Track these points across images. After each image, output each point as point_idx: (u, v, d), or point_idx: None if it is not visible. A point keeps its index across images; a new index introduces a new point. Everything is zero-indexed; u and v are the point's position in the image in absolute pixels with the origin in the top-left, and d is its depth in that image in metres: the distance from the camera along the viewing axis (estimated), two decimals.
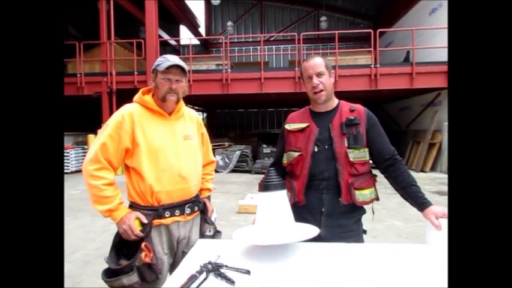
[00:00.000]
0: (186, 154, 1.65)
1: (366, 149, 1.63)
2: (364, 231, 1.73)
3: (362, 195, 1.60)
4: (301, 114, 1.75)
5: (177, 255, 1.67)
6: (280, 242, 1.31)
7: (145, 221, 1.53)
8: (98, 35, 10.41)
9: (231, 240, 1.49)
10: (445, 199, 6.27)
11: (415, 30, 9.63)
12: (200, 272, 1.17)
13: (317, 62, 1.64)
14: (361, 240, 1.69)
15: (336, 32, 10.55)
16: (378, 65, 9.43)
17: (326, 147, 1.62)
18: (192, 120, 1.78)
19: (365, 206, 1.68)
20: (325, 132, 1.63)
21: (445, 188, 7.35)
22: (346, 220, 1.65)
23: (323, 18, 16.81)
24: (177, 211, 1.61)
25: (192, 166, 1.68)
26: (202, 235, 1.75)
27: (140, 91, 1.66)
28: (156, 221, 1.57)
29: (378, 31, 10.15)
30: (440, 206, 1.47)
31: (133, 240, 1.50)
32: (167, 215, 1.59)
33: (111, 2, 10.39)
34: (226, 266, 1.22)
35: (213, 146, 11.46)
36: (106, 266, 1.50)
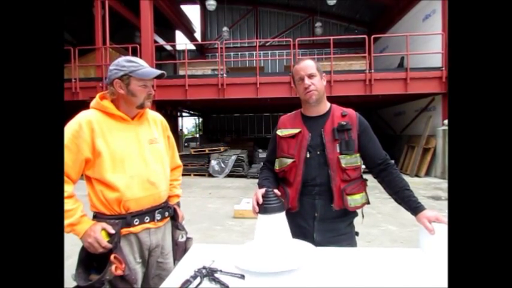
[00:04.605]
0: (153, 159, 1.58)
1: (358, 155, 1.63)
2: (356, 233, 1.73)
3: (354, 200, 1.60)
4: (293, 119, 1.73)
5: (149, 264, 1.60)
6: (273, 270, 1.24)
7: (112, 231, 1.42)
8: (93, 40, 10.38)
9: (225, 245, 1.48)
10: (439, 204, 6.31)
11: (409, 36, 9.75)
12: (194, 277, 1.17)
13: (308, 64, 1.63)
14: (354, 243, 1.70)
15: (331, 37, 10.64)
16: (372, 71, 9.51)
17: (318, 153, 1.61)
18: (156, 123, 1.71)
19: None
20: (317, 137, 1.62)
21: (440, 193, 7.40)
22: (338, 224, 1.65)
23: (318, 24, 16.93)
24: (146, 218, 1.53)
25: (161, 171, 1.60)
26: (175, 242, 1.70)
27: (97, 96, 1.57)
28: (124, 230, 1.48)
29: (372, 37, 10.25)
30: (433, 210, 1.48)
31: (101, 253, 1.40)
32: (136, 223, 1.50)
33: (106, 7, 10.37)
34: (220, 271, 1.21)
35: (209, 150, 11.48)
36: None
